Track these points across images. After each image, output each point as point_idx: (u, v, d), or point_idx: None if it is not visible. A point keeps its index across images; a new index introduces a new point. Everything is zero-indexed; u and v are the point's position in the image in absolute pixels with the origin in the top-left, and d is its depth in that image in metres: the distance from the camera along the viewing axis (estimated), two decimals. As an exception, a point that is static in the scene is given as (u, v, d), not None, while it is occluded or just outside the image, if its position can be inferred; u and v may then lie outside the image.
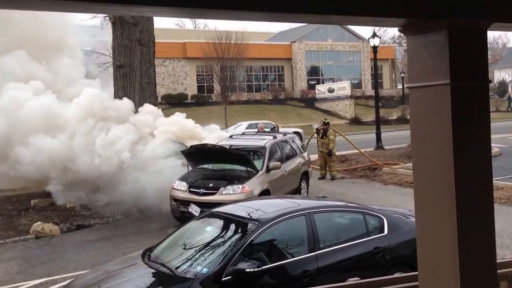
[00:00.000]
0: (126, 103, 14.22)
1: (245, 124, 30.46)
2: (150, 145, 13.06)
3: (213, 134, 14.59)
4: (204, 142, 12.38)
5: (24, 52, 15.59)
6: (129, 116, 13.90)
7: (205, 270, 5.20)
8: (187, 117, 15.11)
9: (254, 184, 10.48)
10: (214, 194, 10.24)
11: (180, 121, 14.30)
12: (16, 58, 15.44)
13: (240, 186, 10.30)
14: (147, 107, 14.37)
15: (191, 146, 11.29)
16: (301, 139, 27.59)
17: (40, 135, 13.25)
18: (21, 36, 15.59)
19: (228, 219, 6.17)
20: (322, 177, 16.03)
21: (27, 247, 9.92)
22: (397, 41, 67.67)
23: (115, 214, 11.99)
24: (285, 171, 11.85)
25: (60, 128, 13.65)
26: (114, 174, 12.50)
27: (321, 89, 48.06)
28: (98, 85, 16.89)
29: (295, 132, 29.27)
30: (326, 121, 16.62)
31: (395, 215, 6.76)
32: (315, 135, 17.24)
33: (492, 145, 2.16)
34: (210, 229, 6.24)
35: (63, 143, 13.20)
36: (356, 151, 18.52)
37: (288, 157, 12.57)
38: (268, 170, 11.09)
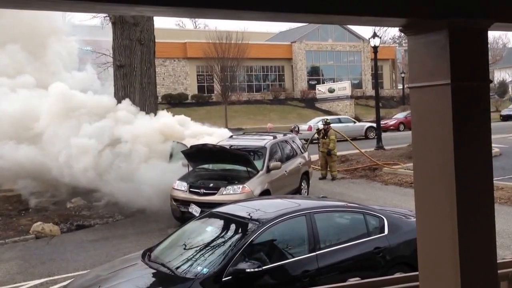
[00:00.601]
0: (103, 99, 13.74)
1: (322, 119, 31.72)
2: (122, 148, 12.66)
3: (188, 130, 13.82)
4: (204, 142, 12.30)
5: (16, 46, 15.18)
6: (107, 113, 13.37)
7: (205, 270, 5.20)
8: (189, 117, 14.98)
9: (254, 184, 10.48)
10: (214, 194, 10.24)
11: (153, 124, 13.41)
12: (6, 52, 15.11)
13: (241, 186, 10.30)
14: (125, 106, 13.83)
15: (191, 146, 11.28)
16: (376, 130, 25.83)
17: (7, 142, 12.85)
18: (13, 28, 15.18)
19: (228, 219, 6.17)
20: (323, 177, 16.02)
21: (27, 247, 9.91)
22: (398, 41, 67.69)
23: (115, 215, 11.99)
24: (286, 171, 11.84)
25: (31, 135, 13.14)
26: (90, 184, 12.32)
27: (322, 89, 48.04)
28: (89, 80, 16.54)
29: (370, 127, 29.82)
30: (327, 121, 16.65)
31: (395, 215, 6.76)
32: (316, 135, 17.26)
33: (492, 145, 2.16)
34: (211, 229, 6.24)
35: (31, 152, 12.75)
36: (357, 151, 18.52)
37: (289, 157, 12.56)
38: (269, 170, 11.09)
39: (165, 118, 14.15)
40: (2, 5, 1.67)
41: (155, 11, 1.91)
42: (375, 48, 22.37)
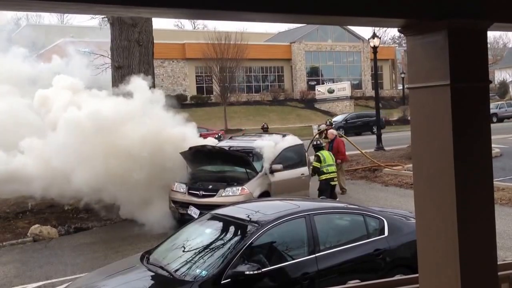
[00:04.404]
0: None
1: None
2: None
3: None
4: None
5: None
6: None
7: (204, 273, 5.17)
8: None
9: (253, 186, 10.44)
10: (213, 196, 10.20)
11: None
12: None
13: (240, 188, 10.26)
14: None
15: (190, 148, 11.23)
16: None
17: None
18: None
19: (227, 221, 6.14)
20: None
21: (24, 250, 9.88)
22: (397, 41, 67.72)
23: (113, 217, 11.93)
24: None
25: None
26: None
27: (321, 90, 48.01)
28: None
29: None
30: (330, 122, 16.60)
31: (395, 216, 6.72)
32: (318, 136, 17.18)
33: (492, 145, 2.14)
34: (209, 231, 6.21)
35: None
36: (357, 152, 18.47)
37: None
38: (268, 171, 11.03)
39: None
40: (2, 7, 1.67)
41: (153, 12, 1.89)
42: (374, 49, 22.36)
